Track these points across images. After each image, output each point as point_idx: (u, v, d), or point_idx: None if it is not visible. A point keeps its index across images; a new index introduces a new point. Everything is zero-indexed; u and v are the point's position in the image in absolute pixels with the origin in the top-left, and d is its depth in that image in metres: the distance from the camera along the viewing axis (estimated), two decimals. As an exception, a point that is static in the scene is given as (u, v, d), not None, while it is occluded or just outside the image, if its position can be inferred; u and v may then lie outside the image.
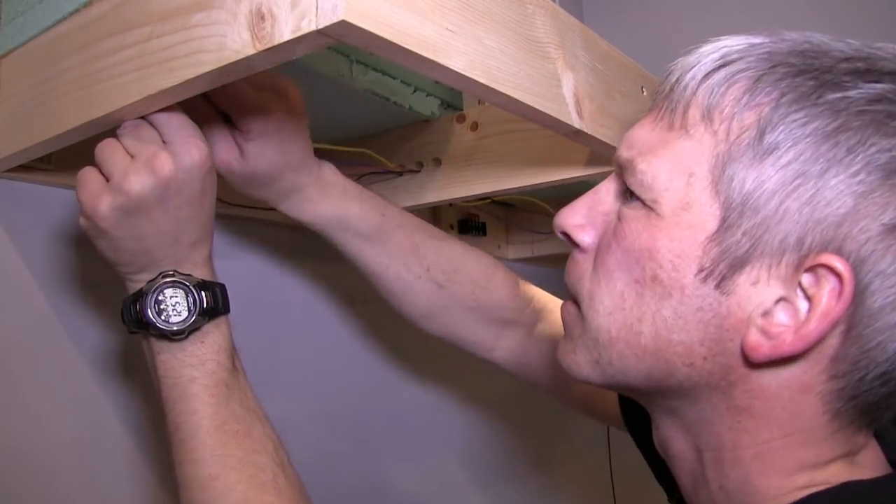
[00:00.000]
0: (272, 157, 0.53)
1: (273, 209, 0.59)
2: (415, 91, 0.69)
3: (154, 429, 0.65)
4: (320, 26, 0.32)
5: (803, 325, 0.35)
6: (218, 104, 0.51)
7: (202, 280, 0.47)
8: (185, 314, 0.45)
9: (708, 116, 0.37)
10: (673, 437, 0.43)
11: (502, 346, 0.70)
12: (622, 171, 0.41)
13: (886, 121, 0.34)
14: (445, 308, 0.67)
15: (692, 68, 0.38)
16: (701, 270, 0.37)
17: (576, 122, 0.48)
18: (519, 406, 1.19)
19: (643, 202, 0.39)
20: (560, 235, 0.45)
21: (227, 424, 0.46)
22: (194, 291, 0.46)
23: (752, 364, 0.37)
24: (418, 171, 0.71)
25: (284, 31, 0.34)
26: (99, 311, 0.63)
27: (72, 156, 0.60)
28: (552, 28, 0.47)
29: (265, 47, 0.35)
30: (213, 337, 0.47)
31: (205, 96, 0.50)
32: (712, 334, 0.37)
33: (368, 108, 0.68)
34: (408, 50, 0.35)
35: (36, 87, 0.49)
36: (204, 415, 0.45)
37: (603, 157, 0.60)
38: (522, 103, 0.43)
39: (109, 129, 0.46)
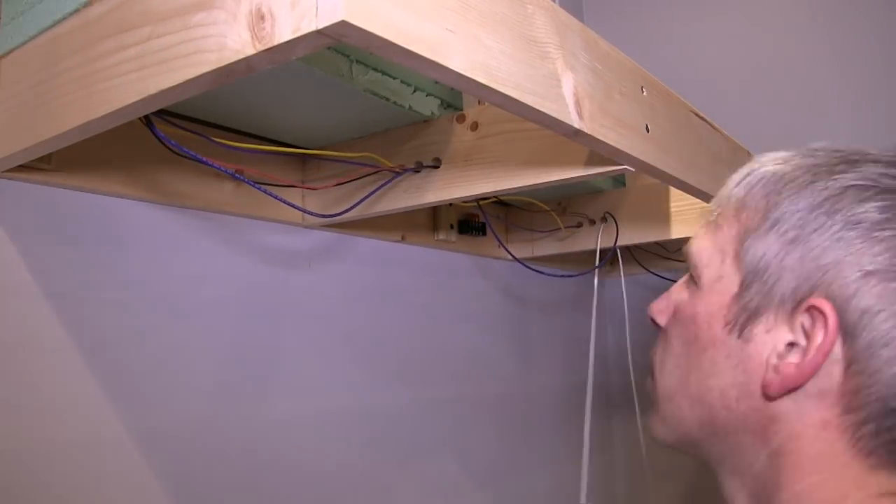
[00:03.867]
0: None
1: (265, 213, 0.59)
2: (415, 91, 0.69)
3: (154, 429, 0.65)
4: (320, 26, 0.32)
5: (803, 358, 0.41)
6: None
7: None
8: None
9: (738, 211, 0.47)
10: (734, 490, 0.48)
11: None
12: (687, 262, 0.51)
13: (863, 193, 0.42)
14: None
15: (733, 182, 0.48)
16: (726, 324, 0.45)
17: (576, 122, 0.48)
18: (519, 406, 1.19)
19: (693, 279, 0.49)
20: (649, 320, 0.54)
21: None
22: None
23: (770, 398, 0.43)
24: (418, 171, 0.71)
25: (284, 31, 0.34)
26: (99, 312, 0.63)
27: (72, 156, 0.60)
28: (552, 28, 0.47)
29: (265, 47, 0.35)
30: None
31: None
32: (740, 377, 0.45)
33: (368, 108, 0.68)
34: (408, 50, 0.35)
35: (36, 87, 0.49)
36: None
37: (602, 158, 0.60)
38: (522, 103, 0.43)
39: (109, 129, 0.46)
